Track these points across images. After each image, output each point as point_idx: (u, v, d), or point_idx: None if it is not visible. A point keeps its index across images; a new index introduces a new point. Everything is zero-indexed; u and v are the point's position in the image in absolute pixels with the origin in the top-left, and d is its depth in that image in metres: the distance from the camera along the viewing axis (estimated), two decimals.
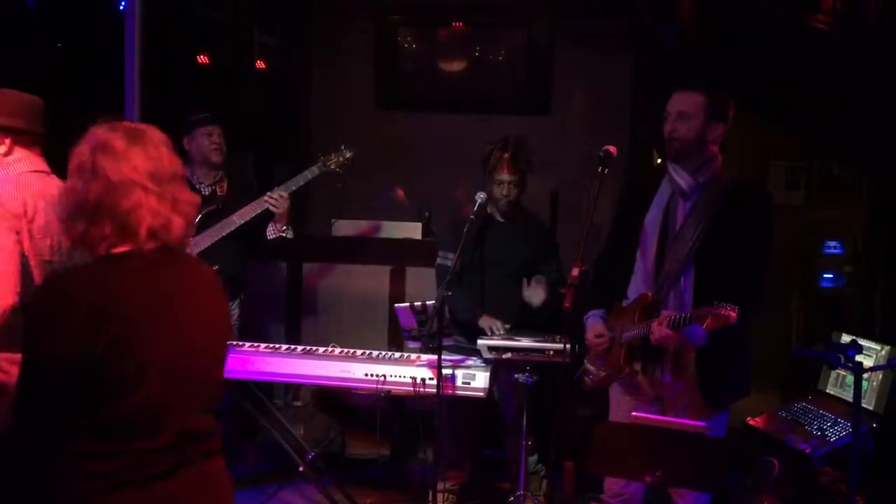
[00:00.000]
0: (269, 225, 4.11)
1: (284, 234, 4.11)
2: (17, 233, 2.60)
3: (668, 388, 2.95)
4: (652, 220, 2.99)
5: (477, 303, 3.98)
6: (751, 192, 2.99)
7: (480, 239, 3.98)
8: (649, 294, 2.93)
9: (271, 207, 4.01)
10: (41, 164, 2.78)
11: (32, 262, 2.63)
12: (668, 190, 2.99)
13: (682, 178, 2.94)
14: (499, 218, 4.05)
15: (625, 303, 3.06)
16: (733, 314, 2.58)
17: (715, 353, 2.83)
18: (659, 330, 2.78)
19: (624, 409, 3.02)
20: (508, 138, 3.94)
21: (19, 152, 2.74)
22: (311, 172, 4.06)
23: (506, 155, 3.89)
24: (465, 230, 3.70)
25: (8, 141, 2.72)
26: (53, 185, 2.78)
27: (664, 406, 2.97)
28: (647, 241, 2.99)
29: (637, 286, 3.02)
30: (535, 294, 3.91)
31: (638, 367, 2.98)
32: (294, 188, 4.05)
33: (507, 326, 3.86)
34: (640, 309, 2.93)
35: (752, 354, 3.04)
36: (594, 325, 3.07)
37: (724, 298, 2.64)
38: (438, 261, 4.15)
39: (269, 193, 4.02)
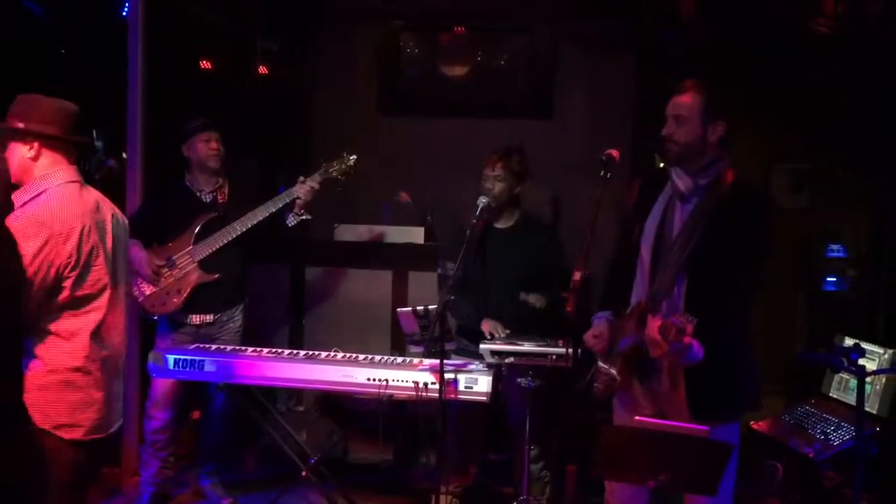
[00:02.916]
0: (289, 214, 4.13)
1: (304, 218, 4.13)
2: (57, 259, 2.61)
3: (664, 400, 2.86)
4: (650, 224, 2.92)
5: (480, 308, 3.99)
6: (750, 198, 2.84)
7: (482, 247, 3.99)
8: (642, 302, 2.84)
9: (302, 195, 4.04)
10: (73, 172, 2.79)
11: (69, 281, 2.65)
12: (669, 193, 2.91)
13: (681, 181, 2.86)
14: (500, 226, 4.06)
15: (628, 310, 2.98)
16: (689, 327, 2.50)
17: (702, 365, 2.68)
18: (651, 338, 2.68)
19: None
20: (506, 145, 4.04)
21: (48, 157, 2.74)
22: (314, 180, 4.08)
23: (492, 155, 3.99)
24: (466, 233, 3.70)
25: (36, 145, 2.72)
26: (90, 195, 2.81)
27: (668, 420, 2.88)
28: (644, 247, 2.91)
29: (637, 293, 2.94)
30: (536, 299, 3.93)
31: (635, 377, 2.89)
32: (320, 179, 4.09)
33: (507, 331, 3.86)
34: (636, 318, 2.85)
35: (755, 368, 2.89)
36: (596, 325, 3.00)
37: (713, 309, 2.59)
38: (439, 271, 4.17)
39: (302, 179, 4.08)
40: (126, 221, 3.00)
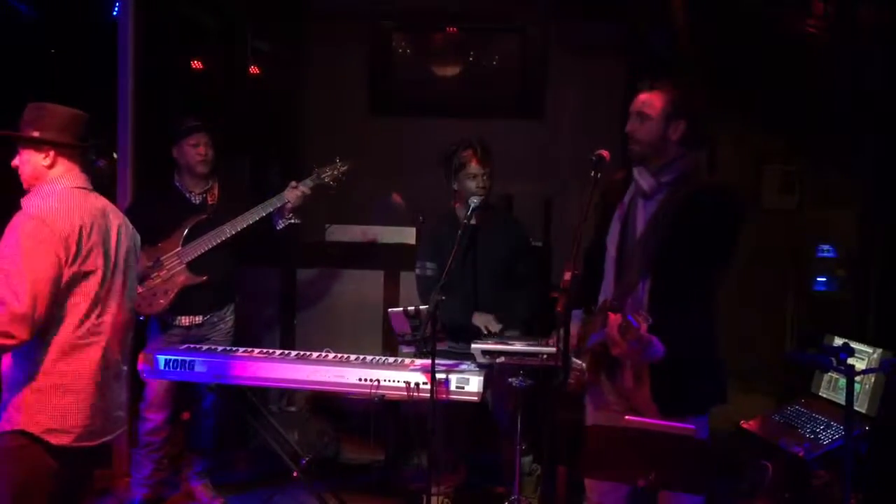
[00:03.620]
0: (277, 218, 4.12)
1: (294, 222, 4.14)
2: (58, 255, 2.64)
3: (631, 396, 2.86)
4: (616, 222, 2.93)
5: (468, 305, 3.99)
6: (713, 195, 2.81)
7: (470, 244, 4.00)
8: (609, 300, 2.84)
9: (293, 200, 4.04)
10: (83, 180, 2.84)
11: (67, 279, 2.68)
12: (633, 191, 2.92)
13: (644, 180, 2.86)
14: (473, 221, 4.06)
15: (597, 308, 3.00)
16: (644, 326, 2.50)
17: (666, 361, 2.68)
18: (611, 335, 2.67)
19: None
20: (469, 137, 4.03)
21: (62, 165, 2.80)
22: (305, 185, 4.08)
23: (471, 150, 3.97)
24: (458, 234, 3.71)
25: (52, 153, 2.78)
26: (97, 201, 2.85)
27: (637, 415, 2.88)
28: (611, 245, 2.93)
29: (605, 291, 2.95)
30: (487, 322, 3.94)
31: (603, 374, 2.90)
32: (312, 185, 4.08)
33: (500, 325, 3.87)
34: (602, 315, 2.84)
35: (721, 363, 2.88)
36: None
37: (677, 307, 2.61)
38: (417, 272, 4.15)
39: (293, 184, 4.07)
40: (136, 234, 3.04)
